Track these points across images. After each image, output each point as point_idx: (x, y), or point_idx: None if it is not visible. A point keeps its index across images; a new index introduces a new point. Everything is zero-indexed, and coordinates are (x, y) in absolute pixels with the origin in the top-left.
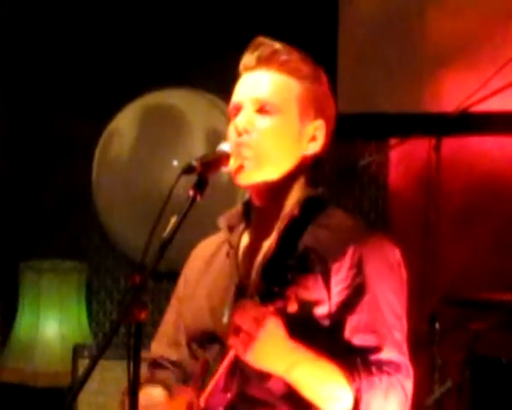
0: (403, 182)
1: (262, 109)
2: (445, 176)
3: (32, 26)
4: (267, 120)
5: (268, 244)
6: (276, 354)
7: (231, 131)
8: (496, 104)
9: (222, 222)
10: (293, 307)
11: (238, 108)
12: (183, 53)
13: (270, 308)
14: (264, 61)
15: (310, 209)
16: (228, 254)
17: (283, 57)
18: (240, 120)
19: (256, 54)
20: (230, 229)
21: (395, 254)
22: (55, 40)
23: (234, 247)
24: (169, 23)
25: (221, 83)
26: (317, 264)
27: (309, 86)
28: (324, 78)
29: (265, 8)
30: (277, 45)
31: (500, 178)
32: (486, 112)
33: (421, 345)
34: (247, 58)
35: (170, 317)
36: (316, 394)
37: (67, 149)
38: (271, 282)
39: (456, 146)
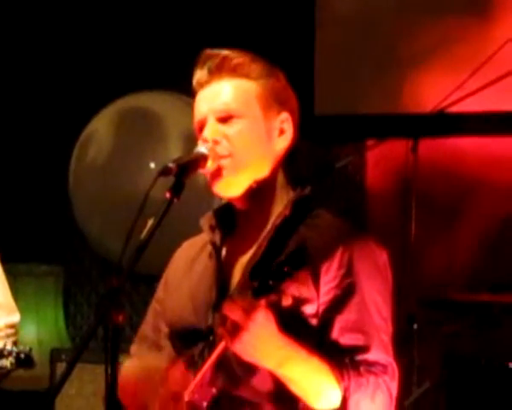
0: (380, 183)
1: (225, 118)
2: (422, 177)
3: (12, 31)
4: (233, 126)
5: (257, 243)
6: (267, 348)
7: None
8: (472, 105)
9: (204, 222)
10: (287, 301)
11: (202, 125)
12: (159, 55)
13: (262, 302)
14: (215, 72)
15: (299, 210)
16: (210, 255)
17: (233, 62)
18: (207, 133)
19: (206, 67)
20: (212, 229)
21: (383, 257)
22: (33, 44)
23: (217, 247)
24: (145, 26)
25: None
26: (310, 260)
27: (265, 83)
28: (280, 73)
29: (242, 14)
30: (225, 52)
31: (477, 178)
32: (463, 113)
33: (399, 346)
34: (199, 74)
35: (149, 320)
36: (305, 391)
37: (44, 153)
38: (266, 276)
39: (433, 147)
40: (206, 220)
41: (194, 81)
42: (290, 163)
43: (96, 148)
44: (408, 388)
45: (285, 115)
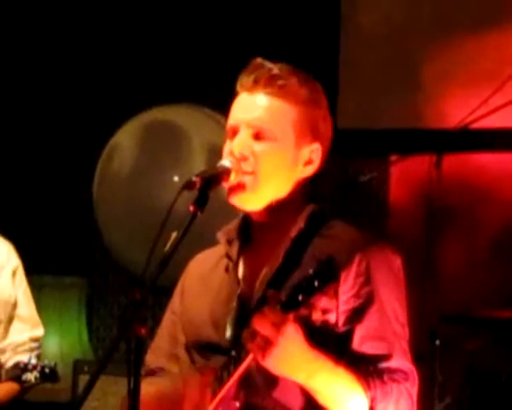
0: (403, 198)
1: (258, 135)
2: (445, 192)
3: (39, 44)
4: (263, 145)
5: (274, 256)
6: (296, 361)
7: (226, 152)
8: (496, 121)
9: (221, 236)
10: (317, 315)
11: (234, 131)
12: (183, 69)
13: (291, 316)
14: (261, 84)
15: (314, 222)
16: (227, 269)
17: (281, 82)
18: (236, 145)
19: (254, 76)
20: (229, 242)
21: (397, 262)
22: (57, 54)
23: (233, 260)
24: (169, 41)
25: (221, 98)
26: (338, 272)
27: (306, 110)
28: (323, 99)
29: (266, 26)
30: (275, 69)
31: (500, 195)
32: (487, 129)
33: (421, 361)
34: (245, 78)
35: (165, 330)
36: (333, 402)
37: (68, 165)
38: (295, 290)
39: (457, 163)
40: (223, 234)
41: (239, 83)
42: (311, 181)
43: (120, 160)
44: (430, 404)
45: (316, 146)
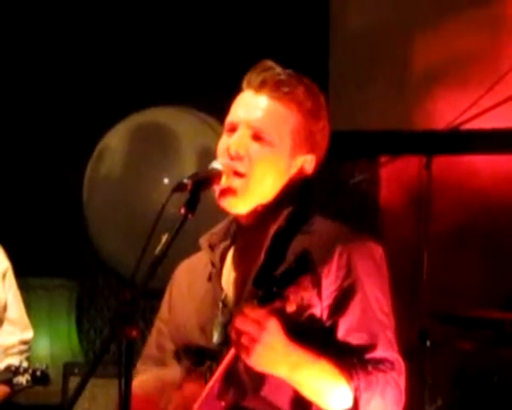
0: (393, 200)
1: (256, 136)
2: (435, 194)
3: (28, 42)
4: (259, 148)
5: (258, 256)
6: (278, 356)
7: (222, 147)
8: (486, 122)
9: (203, 242)
10: (291, 308)
11: (234, 128)
12: (173, 72)
13: (267, 309)
14: (268, 87)
15: (295, 220)
16: (210, 276)
17: (287, 89)
18: (233, 143)
19: (262, 76)
20: (212, 248)
21: (379, 252)
22: (49, 54)
23: (216, 267)
24: (160, 42)
25: (212, 101)
26: (314, 265)
27: (306, 121)
28: (324, 112)
29: (256, 28)
30: (284, 75)
31: (490, 196)
32: (477, 130)
33: (411, 363)
34: (253, 77)
35: (153, 339)
36: (317, 394)
37: (58, 167)
38: (270, 283)
39: (447, 164)
40: (205, 239)
41: (246, 80)
42: (301, 188)
43: (110, 162)
44: (420, 405)
45: (310, 157)
